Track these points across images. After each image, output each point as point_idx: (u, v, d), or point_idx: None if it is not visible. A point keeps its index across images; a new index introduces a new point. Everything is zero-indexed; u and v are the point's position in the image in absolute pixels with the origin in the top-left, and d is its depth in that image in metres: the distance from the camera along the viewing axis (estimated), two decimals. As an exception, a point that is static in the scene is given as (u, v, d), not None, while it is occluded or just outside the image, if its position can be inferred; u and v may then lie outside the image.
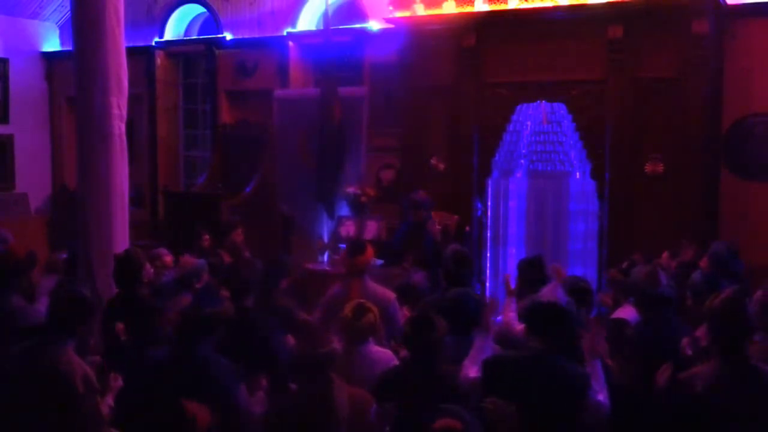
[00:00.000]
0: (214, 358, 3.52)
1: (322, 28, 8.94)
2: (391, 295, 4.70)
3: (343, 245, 7.69)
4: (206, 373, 3.44)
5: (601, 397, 3.20)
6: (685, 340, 3.76)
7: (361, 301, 3.89)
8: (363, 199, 7.90)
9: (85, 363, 3.61)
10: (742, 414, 3.10)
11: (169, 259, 5.78)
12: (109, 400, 3.70)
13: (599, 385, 3.22)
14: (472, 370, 3.40)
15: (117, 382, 3.73)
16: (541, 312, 3.30)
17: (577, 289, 4.32)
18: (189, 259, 5.29)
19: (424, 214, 6.60)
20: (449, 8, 7.47)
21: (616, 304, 5.06)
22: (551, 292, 3.54)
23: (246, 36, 9.69)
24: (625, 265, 5.25)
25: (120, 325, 4.24)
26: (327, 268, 7.71)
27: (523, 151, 7.45)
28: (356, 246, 4.82)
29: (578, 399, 3.11)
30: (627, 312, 4.58)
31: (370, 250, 4.82)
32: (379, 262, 6.19)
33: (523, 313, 3.60)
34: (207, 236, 6.96)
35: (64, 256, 6.25)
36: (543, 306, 3.35)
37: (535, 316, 3.31)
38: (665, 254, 5.76)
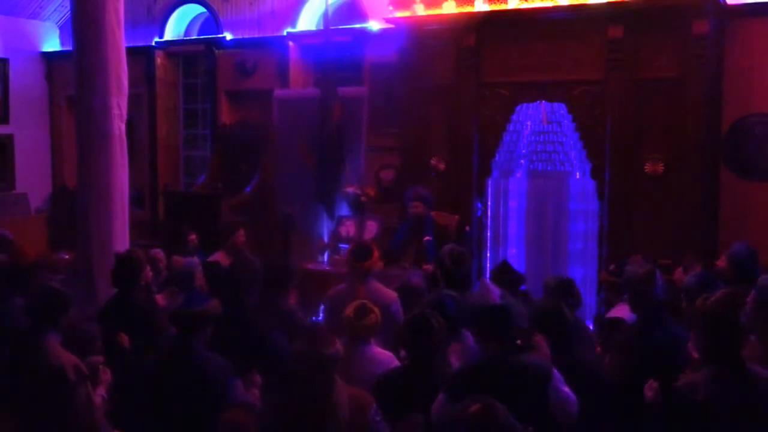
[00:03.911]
0: (209, 355, 3.53)
1: (322, 28, 8.94)
2: (393, 295, 4.69)
3: (343, 245, 7.70)
4: (203, 371, 3.45)
5: (566, 388, 3.22)
6: (690, 344, 3.74)
7: (364, 301, 3.89)
8: (363, 199, 7.90)
9: (73, 355, 3.66)
10: (740, 419, 3.07)
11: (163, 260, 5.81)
12: (101, 390, 3.75)
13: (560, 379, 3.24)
14: None
15: (106, 375, 3.80)
16: (482, 315, 3.31)
17: (561, 287, 4.34)
18: (179, 259, 5.29)
19: (424, 208, 6.59)
20: (449, 8, 7.47)
21: (610, 305, 5.06)
22: (484, 292, 3.54)
23: (246, 36, 9.69)
24: (612, 267, 5.25)
25: (123, 336, 4.25)
26: (327, 268, 7.71)
27: (523, 151, 7.47)
28: (362, 250, 4.78)
29: (541, 391, 3.13)
30: (623, 311, 4.58)
31: (376, 254, 4.78)
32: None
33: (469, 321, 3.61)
34: (194, 235, 6.96)
35: (65, 256, 6.26)
36: (482, 310, 3.37)
37: (478, 321, 3.33)
38: (679, 270, 5.72)
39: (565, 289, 4.36)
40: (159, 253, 5.96)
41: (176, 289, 5.20)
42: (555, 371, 3.23)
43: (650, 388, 3.36)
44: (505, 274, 4.89)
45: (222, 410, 3.12)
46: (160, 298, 5.04)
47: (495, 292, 3.42)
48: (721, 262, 5.15)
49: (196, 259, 5.67)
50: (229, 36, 9.79)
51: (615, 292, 5.00)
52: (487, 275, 7.61)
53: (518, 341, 3.39)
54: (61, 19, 11.19)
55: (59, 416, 3.53)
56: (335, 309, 4.42)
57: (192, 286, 4.82)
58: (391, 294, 4.70)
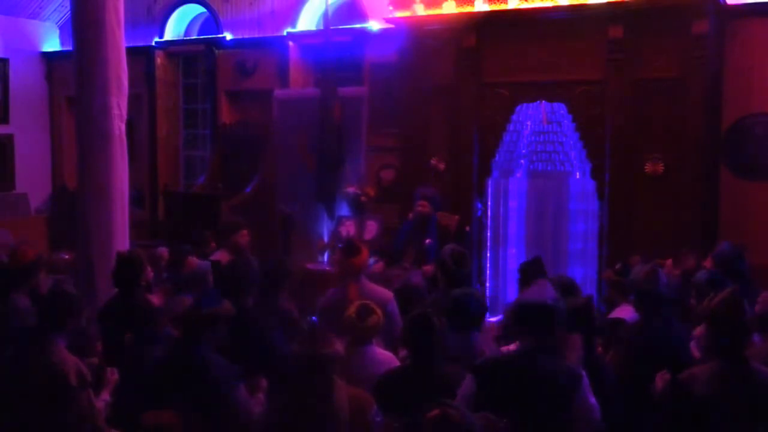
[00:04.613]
0: (213, 358, 3.52)
1: (322, 28, 8.94)
2: (388, 294, 4.68)
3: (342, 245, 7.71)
4: (205, 373, 3.44)
5: (593, 399, 3.20)
6: (693, 343, 3.75)
7: (366, 302, 3.88)
8: (363, 199, 7.91)
9: (77, 359, 3.64)
10: (742, 416, 3.09)
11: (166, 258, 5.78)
12: (105, 395, 3.73)
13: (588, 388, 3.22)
14: None
15: (114, 375, 3.78)
16: (528, 311, 3.31)
17: (564, 286, 4.33)
18: (194, 261, 5.26)
19: (430, 209, 6.59)
20: (449, 8, 7.47)
21: (613, 305, 5.06)
22: (539, 291, 3.53)
23: (246, 36, 9.69)
24: (618, 266, 5.25)
25: (129, 335, 4.23)
26: (327, 268, 7.72)
27: (523, 151, 7.47)
28: (351, 247, 4.77)
29: (567, 397, 3.12)
30: (625, 312, 4.58)
31: (365, 251, 4.78)
32: (372, 261, 6.14)
33: (510, 312, 3.59)
34: (213, 243, 6.93)
35: (65, 256, 6.25)
36: (530, 305, 3.36)
37: (522, 315, 3.32)
38: (669, 262, 5.74)
39: (567, 289, 4.35)
40: (164, 251, 5.94)
41: (170, 287, 5.18)
42: (586, 380, 3.18)
43: (662, 379, 3.37)
44: (534, 269, 4.84)
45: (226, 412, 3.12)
46: (154, 298, 5.02)
47: (550, 293, 3.40)
48: (707, 263, 5.14)
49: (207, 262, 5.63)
50: (229, 36, 9.79)
51: (619, 292, 4.99)
52: (489, 274, 7.64)
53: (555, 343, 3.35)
54: (61, 19, 11.19)
55: (60, 422, 3.51)
56: (331, 311, 4.42)
57: (205, 289, 4.80)
58: (387, 293, 4.68)
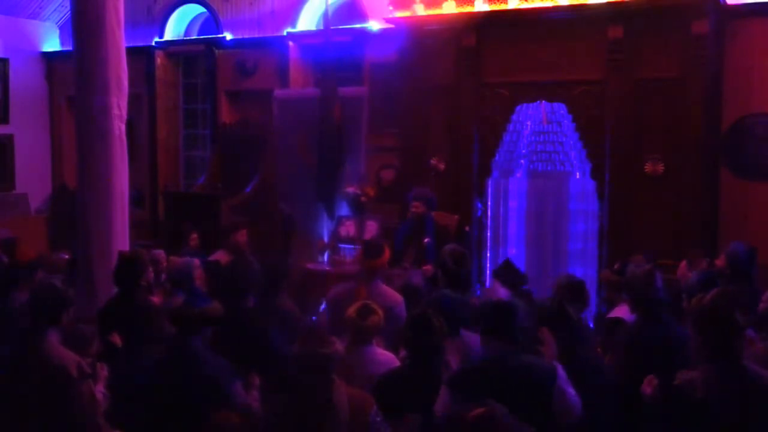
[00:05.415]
0: (210, 356, 3.53)
1: (322, 28, 8.94)
2: (398, 297, 4.67)
3: (343, 245, 7.71)
4: (203, 371, 3.44)
5: (571, 389, 3.20)
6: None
7: (367, 302, 3.88)
8: (363, 199, 7.90)
9: (74, 353, 3.66)
10: (738, 418, 3.08)
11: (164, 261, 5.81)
12: (101, 387, 3.75)
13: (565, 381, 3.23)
14: None
15: (103, 370, 3.80)
16: (489, 313, 3.32)
17: (571, 287, 4.33)
18: (176, 259, 5.28)
19: (425, 209, 6.58)
20: (449, 8, 7.47)
21: (611, 305, 5.06)
22: (492, 292, 3.55)
23: (246, 36, 9.70)
24: (617, 266, 5.25)
25: (115, 335, 4.24)
26: (327, 268, 7.71)
27: (523, 151, 7.47)
28: (374, 248, 4.74)
29: (544, 393, 3.12)
30: (623, 311, 4.58)
31: (387, 253, 4.77)
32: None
33: (473, 319, 3.61)
34: (195, 235, 6.93)
35: (65, 256, 6.25)
36: (489, 307, 3.37)
37: (484, 318, 3.33)
38: (683, 263, 5.73)
39: (575, 290, 4.36)
40: (161, 254, 5.96)
41: (169, 288, 5.20)
42: (561, 371, 3.20)
43: (649, 384, 3.37)
44: (507, 272, 4.88)
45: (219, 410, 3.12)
46: (155, 298, 5.03)
47: (502, 292, 3.41)
48: (720, 261, 5.17)
49: (194, 260, 5.66)
50: (229, 36, 9.79)
51: (616, 291, 5.00)
52: (489, 274, 7.64)
53: (524, 339, 3.37)
54: (61, 19, 11.19)
55: (62, 414, 3.53)
56: (338, 308, 4.41)
57: (191, 286, 4.80)
58: (396, 296, 4.67)
